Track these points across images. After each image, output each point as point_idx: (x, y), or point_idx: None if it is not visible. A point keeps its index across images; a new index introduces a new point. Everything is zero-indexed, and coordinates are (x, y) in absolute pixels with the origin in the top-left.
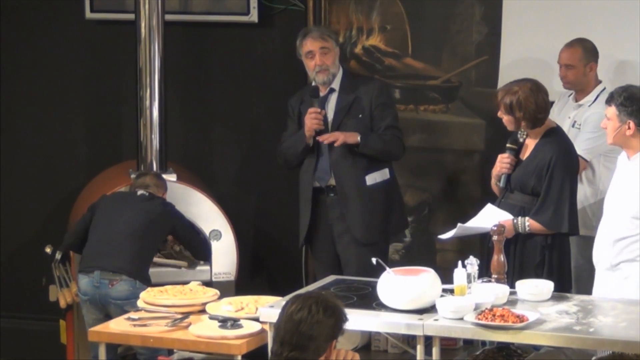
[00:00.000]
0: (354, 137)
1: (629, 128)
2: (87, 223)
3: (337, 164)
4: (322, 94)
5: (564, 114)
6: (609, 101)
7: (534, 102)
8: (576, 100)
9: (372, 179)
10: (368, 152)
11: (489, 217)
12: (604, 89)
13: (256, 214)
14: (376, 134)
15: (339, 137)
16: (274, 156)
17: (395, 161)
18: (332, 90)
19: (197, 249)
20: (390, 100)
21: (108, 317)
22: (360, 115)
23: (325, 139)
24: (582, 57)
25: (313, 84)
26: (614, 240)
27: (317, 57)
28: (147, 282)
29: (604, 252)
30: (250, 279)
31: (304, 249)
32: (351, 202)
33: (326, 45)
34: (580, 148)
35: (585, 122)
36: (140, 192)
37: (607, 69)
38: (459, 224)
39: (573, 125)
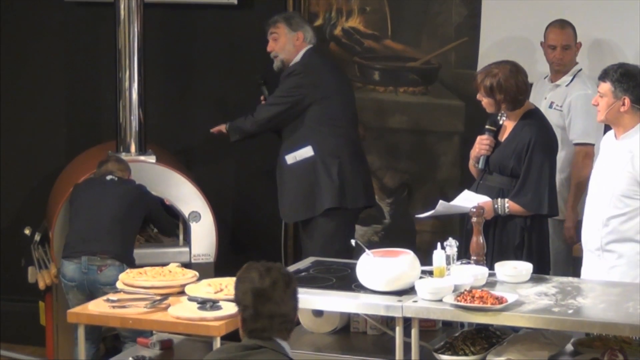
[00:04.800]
0: (222, 128)
1: (623, 104)
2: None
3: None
4: None
5: (540, 95)
6: (602, 77)
7: (514, 83)
8: (552, 81)
9: (292, 158)
10: (241, 136)
11: (468, 201)
12: (580, 69)
13: (235, 195)
14: (245, 115)
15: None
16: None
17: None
18: None
19: (169, 223)
20: (293, 76)
21: None
22: None
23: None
24: (574, 37)
25: None
26: (606, 218)
27: (269, 43)
28: (133, 265)
29: (594, 232)
30: (229, 260)
31: (282, 230)
32: (278, 184)
33: (274, 30)
34: (581, 135)
35: (573, 107)
36: (109, 177)
37: (584, 47)
38: (441, 201)
39: (550, 106)
